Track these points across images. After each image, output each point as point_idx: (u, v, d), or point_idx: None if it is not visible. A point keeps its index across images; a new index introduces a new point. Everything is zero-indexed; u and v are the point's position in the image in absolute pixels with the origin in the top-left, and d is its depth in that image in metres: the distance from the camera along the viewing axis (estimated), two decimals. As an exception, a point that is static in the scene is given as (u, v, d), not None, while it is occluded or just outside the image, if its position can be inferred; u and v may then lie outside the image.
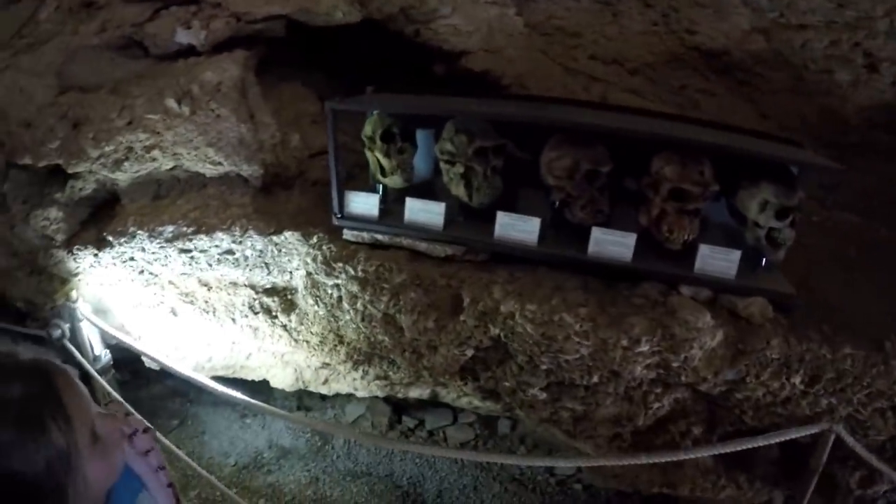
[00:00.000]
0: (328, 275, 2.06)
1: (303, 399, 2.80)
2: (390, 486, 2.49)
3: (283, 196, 2.29)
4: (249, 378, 2.37)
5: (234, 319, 2.24)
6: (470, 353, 1.94)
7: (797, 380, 1.90)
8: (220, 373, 2.34)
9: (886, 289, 2.23)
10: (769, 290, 1.90)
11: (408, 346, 2.01)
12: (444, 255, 1.99)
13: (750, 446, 1.90)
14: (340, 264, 2.04)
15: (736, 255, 1.85)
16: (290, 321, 2.17)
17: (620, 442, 2.03)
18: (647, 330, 1.79)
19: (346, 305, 2.05)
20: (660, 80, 3.06)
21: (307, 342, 2.18)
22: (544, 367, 1.86)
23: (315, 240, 2.12)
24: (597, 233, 1.85)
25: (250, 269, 2.18)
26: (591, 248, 1.87)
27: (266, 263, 2.18)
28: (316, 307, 2.11)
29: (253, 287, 2.21)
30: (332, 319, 2.10)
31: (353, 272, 2.02)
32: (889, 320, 2.05)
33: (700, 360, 1.85)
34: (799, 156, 1.93)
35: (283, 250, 2.16)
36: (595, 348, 1.80)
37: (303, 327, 2.17)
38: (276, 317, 2.19)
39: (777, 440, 1.91)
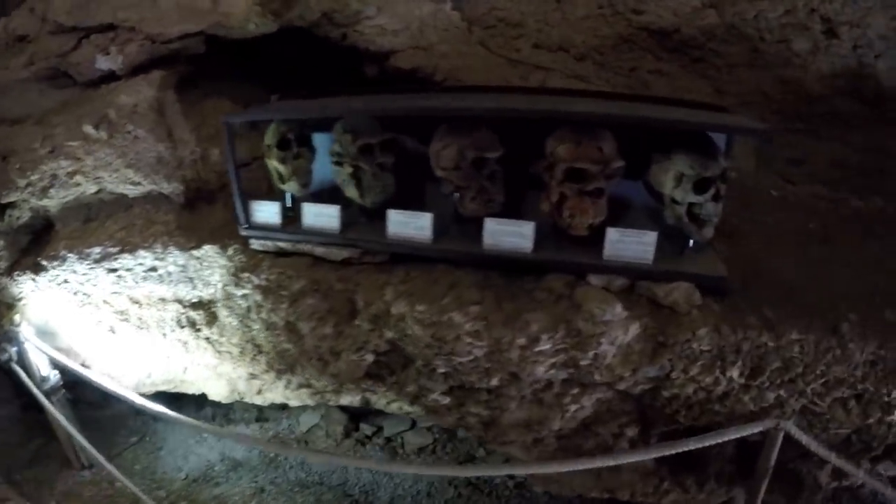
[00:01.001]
0: (237, 285, 1.91)
1: (262, 410, 2.68)
2: (339, 496, 2.31)
3: (206, 210, 2.16)
4: (190, 392, 2.25)
5: (165, 335, 2.13)
6: (370, 357, 1.73)
7: (735, 373, 1.57)
8: (162, 388, 2.24)
9: (849, 264, 1.84)
10: (695, 273, 1.59)
11: (312, 353, 1.82)
12: (342, 259, 1.79)
13: (680, 450, 1.59)
14: (247, 274, 1.89)
15: (651, 237, 1.55)
16: (212, 334, 2.04)
17: (543, 447, 1.76)
18: (547, 326, 1.52)
19: (253, 315, 1.89)
20: (608, 64, 2.74)
21: (229, 353, 2.03)
22: (441, 370, 1.62)
23: (231, 251, 1.98)
24: (490, 224, 1.60)
25: (175, 285, 2.06)
26: (487, 240, 1.62)
27: (190, 278, 2.05)
28: (231, 318, 1.96)
29: (180, 302, 2.09)
30: (245, 330, 1.95)
31: (257, 281, 1.86)
32: (848, 299, 1.68)
33: (614, 357, 1.56)
34: (712, 120, 1.60)
35: (205, 264, 2.03)
36: (490, 349, 1.55)
37: (224, 339, 2.02)
38: (199, 330, 2.06)
39: (714, 441, 1.58)
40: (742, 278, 1.73)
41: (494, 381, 1.57)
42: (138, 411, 2.57)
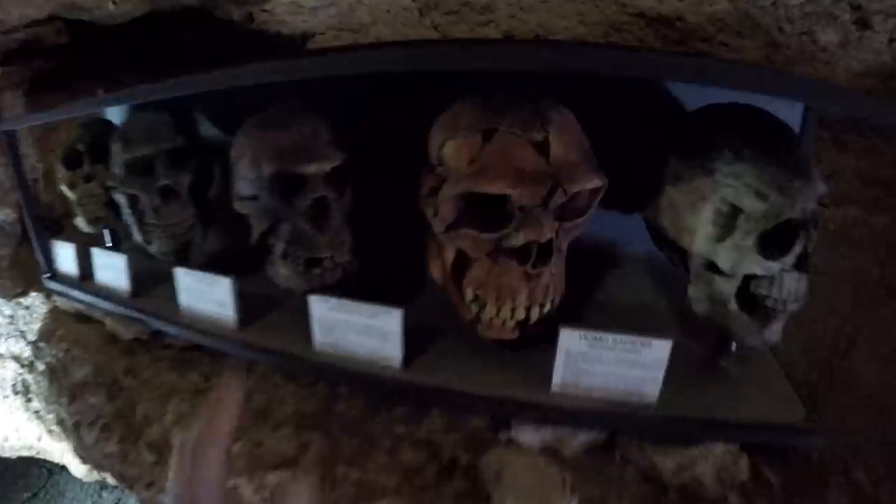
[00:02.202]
0: (37, 357, 0.99)
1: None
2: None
3: (56, 243, 1.24)
4: (55, 461, 1.39)
5: (4, 398, 1.26)
6: (167, 500, 0.78)
7: None
8: (23, 453, 1.39)
9: None
10: (743, 422, 0.52)
11: (107, 467, 0.88)
12: (131, 338, 0.83)
13: None
14: (43, 343, 0.97)
15: (658, 351, 0.49)
16: (40, 407, 1.14)
17: None
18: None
19: (46, 402, 0.97)
20: (594, 56, 1.59)
21: (59, 435, 1.13)
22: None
23: (57, 302, 1.07)
24: (318, 307, 0.58)
25: (5, 339, 1.17)
26: (318, 338, 0.61)
27: (21, 332, 1.15)
28: (40, 395, 1.05)
29: (18, 359, 1.19)
30: (57, 412, 1.03)
31: (48, 357, 0.93)
32: None
33: None
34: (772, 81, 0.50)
35: (35, 315, 1.12)
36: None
37: (50, 416, 1.12)
38: (31, 400, 1.16)
39: None
40: (803, 386, 0.64)
41: None
42: (45, 459, 1.72)
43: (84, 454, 0.89)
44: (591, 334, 0.50)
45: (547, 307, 0.51)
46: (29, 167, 1.23)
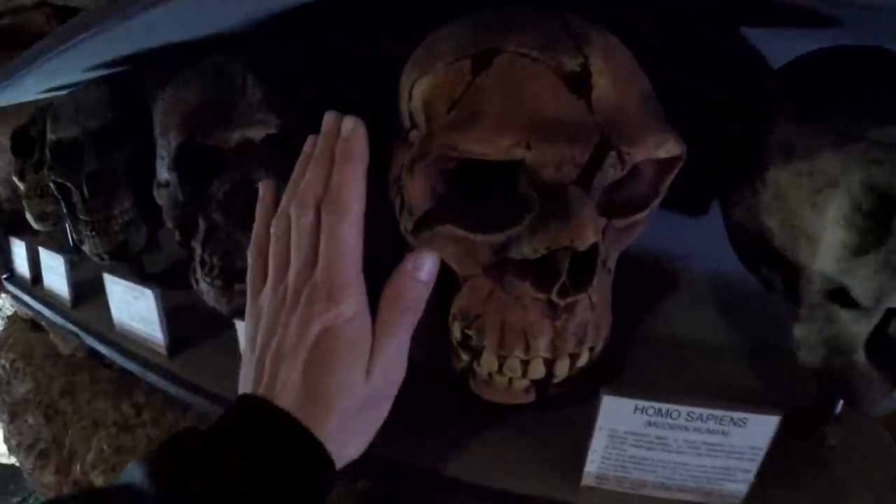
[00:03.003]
0: None
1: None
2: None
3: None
4: None
5: None
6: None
7: None
8: (2, 460, 1.24)
9: None
10: None
11: (45, 492, 0.71)
12: (70, 353, 0.64)
13: None
14: None
15: (759, 429, 0.26)
16: None
17: None
18: None
19: None
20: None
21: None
22: None
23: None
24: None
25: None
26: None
27: None
28: None
29: None
30: (2, 429, 0.86)
31: None
32: None
33: None
34: None
35: (4, 317, 0.96)
36: None
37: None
38: None
39: None
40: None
41: None
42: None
43: (28, 478, 0.71)
44: (653, 405, 0.28)
45: (582, 359, 0.29)
46: (5, 160, 1.07)
